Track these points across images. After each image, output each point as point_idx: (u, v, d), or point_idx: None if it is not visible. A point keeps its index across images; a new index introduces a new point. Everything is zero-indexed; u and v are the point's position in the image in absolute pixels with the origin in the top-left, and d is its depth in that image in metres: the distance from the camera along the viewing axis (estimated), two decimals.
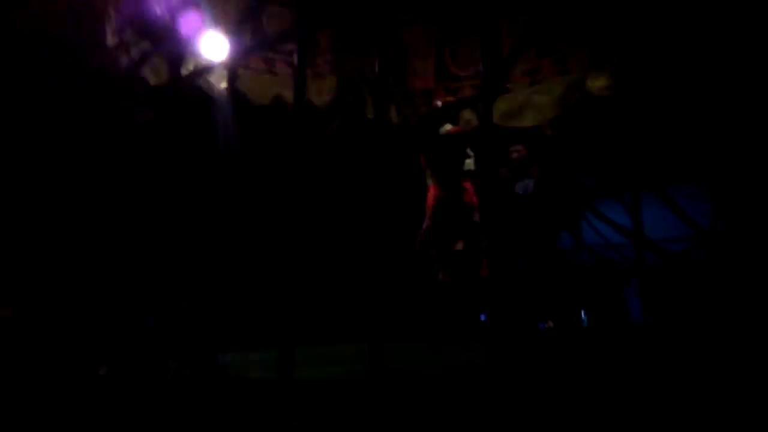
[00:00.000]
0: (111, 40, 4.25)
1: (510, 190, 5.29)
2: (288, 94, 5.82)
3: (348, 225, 6.15)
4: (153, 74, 4.26)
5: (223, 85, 5.13)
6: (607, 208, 5.86)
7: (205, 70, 3.95)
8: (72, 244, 2.53)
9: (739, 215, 5.10)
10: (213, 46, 4.34)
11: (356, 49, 6.04)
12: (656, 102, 4.99)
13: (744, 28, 4.26)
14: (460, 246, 4.52)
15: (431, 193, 5.13)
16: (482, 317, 5.43)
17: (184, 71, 3.75)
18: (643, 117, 4.73)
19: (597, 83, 5.42)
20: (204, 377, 2.20)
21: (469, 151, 5.28)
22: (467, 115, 5.94)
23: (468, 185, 5.05)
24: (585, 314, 5.65)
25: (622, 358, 2.85)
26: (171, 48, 3.48)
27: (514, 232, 5.15)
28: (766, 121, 4.61)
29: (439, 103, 4.92)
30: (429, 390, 2.03)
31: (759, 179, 4.82)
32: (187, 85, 4.09)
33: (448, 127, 5.06)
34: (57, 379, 2.27)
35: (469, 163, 5.25)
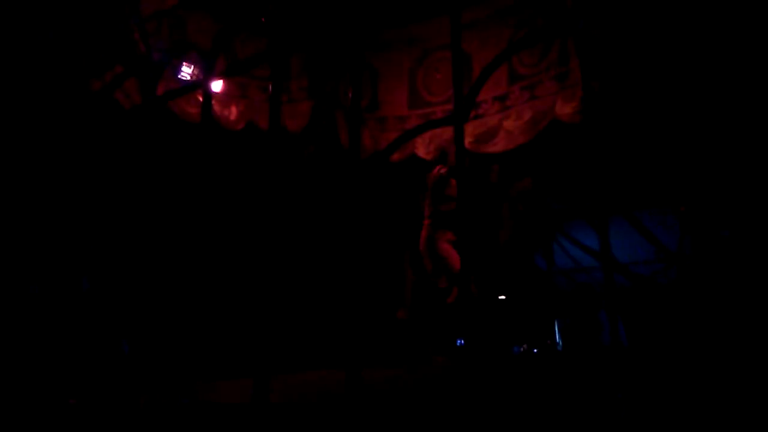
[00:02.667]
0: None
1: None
2: (261, 120, 5.83)
3: (323, 250, 6.12)
4: (126, 98, 4.23)
5: (196, 110, 5.12)
6: (578, 231, 5.97)
7: (177, 93, 3.93)
8: (43, 265, 2.46)
9: (706, 238, 5.22)
10: (186, 70, 4.34)
11: (330, 74, 6.09)
12: (624, 128, 5.11)
13: (709, 57, 4.42)
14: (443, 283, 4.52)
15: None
16: (459, 342, 5.42)
17: (156, 95, 3.74)
18: (612, 143, 4.84)
19: (566, 109, 5.54)
20: (177, 404, 2.14)
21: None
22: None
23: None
24: (560, 338, 5.68)
25: (595, 380, 2.86)
26: (144, 72, 3.47)
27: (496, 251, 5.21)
28: (731, 147, 4.76)
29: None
30: (405, 415, 2.00)
31: (724, 202, 4.95)
32: (159, 108, 4.07)
33: None
34: (26, 409, 2.18)
35: None
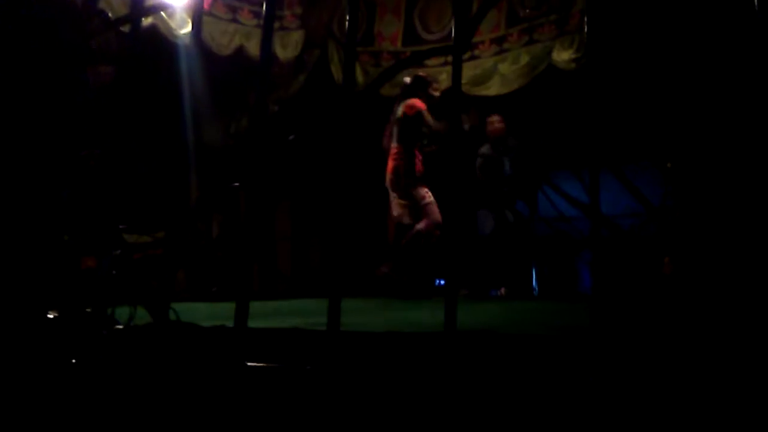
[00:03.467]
0: None
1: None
2: (251, 46, 5.67)
3: (310, 182, 6.10)
4: (111, 9, 4.08)
5: (184, 30, 4.95)
6: (562, 180, 5.99)
7: (165, 5, 3.80)
8: (21, 185, 2.42)
9: (690, 194, 5.26)
10: None
11: (325, 3, 5.91)
12: (619, 79, 5.05)
13: (707, 16, 4.34)
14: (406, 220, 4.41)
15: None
16: (437, 282, 5.51)
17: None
18: (606, 93, 4.78)
19: (563, 56, 5.47)
20: (157, 323, 2.16)
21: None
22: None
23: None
24: (536, 283, 5.80)
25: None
26: None
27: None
28: (722, 106, 4.74)
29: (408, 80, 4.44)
30: (384, 344, 2.04)
31: (711, 159, 4.97)
32: (146, 25, 3.93)
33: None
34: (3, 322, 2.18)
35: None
